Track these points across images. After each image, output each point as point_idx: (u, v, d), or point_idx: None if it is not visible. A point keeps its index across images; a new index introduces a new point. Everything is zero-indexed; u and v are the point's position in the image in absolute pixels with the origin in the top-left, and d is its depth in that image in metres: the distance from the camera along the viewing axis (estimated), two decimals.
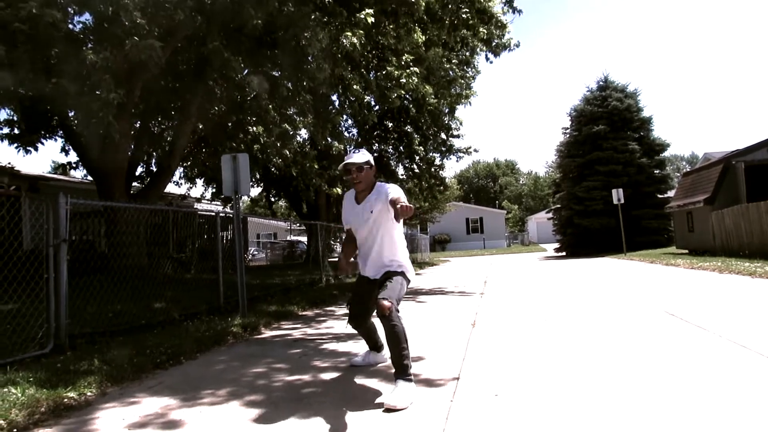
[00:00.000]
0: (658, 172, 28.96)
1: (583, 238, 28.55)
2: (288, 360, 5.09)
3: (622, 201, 23.36)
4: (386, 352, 4.06)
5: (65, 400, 3.75)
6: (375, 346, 4.53)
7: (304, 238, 34.81)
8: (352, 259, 4.38)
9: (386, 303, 3.67)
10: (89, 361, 4.60)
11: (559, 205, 32.02)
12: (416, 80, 10.51)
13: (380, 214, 3.98)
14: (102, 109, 7.11)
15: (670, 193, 27.98)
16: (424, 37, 11.11)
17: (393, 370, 3.76)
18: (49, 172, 24.94)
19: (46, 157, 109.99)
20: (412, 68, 10.67)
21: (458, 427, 3.05)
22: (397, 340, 3.66)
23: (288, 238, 42.12)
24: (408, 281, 4.08)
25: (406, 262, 4.13)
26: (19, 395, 3.62)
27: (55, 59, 7.36)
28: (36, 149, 11.48)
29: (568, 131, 31.44)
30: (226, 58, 8.13)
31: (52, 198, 5.23)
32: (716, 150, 31.78)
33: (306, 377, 4.41)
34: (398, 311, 3.73)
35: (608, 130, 28.40)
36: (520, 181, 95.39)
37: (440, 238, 53.65)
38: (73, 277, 5.80)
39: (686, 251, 20.69)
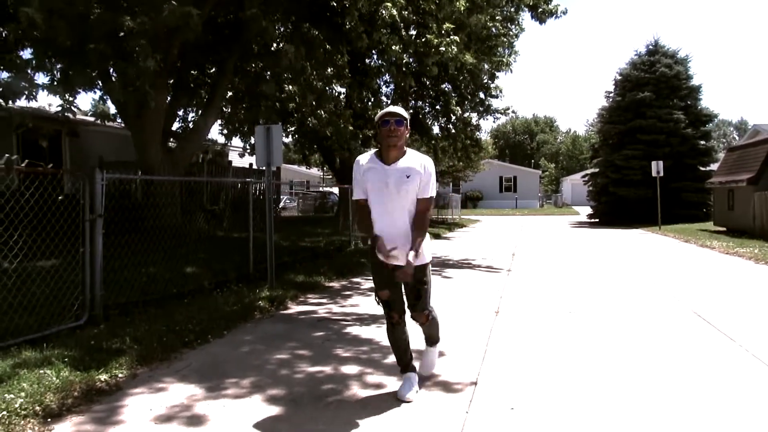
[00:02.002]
0: (702, 143, 28.01)
1: (617, 207, 28.01)
2: (311, 346, 5.21)
3: (661, 173, 22.70)
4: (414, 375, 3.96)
5: (97, 383, 3.92)
6: (408, 364, 3.96)
7: (336, 189, 35.04)
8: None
9: (425, 316, 3.85)
10: (121, 338, 4.78)
11: (596, 170, 31.33)
12: (455, 50, 10.23)
13: (413, 183, 3.54)
14: (139, 77, 7.14)
15: (714, 166, 27.09)
16: (465, 3, 10.73)
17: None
18: (89, 112, 25.12)
19: (86, 99, 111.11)
20: (452, 37, 10.37)
21: None
22: (435, 330, 4.08)
23: (320, 189, 42.41)
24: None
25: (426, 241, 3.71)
26: (54, 378, 3.80)
27: (92, 24, 7.35)
28: (74, 98, 11.56)
29: (611, 96, 30.44)
30: (264, 25, 8.02)
31: (89, 174, 5.33)
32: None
33: (327, 369, 4.51)
34: (432, 309, 3.91)
35: (653, 97, 27.38)
36: (558, 140, 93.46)
37: (472, 195, 53.35)
38: (108, 236, 5.90)
39: (724, 229, 20.17)
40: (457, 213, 34.58)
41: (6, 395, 3.45)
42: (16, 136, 14.62)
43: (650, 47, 29.45)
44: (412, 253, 3.48)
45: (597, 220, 30.36)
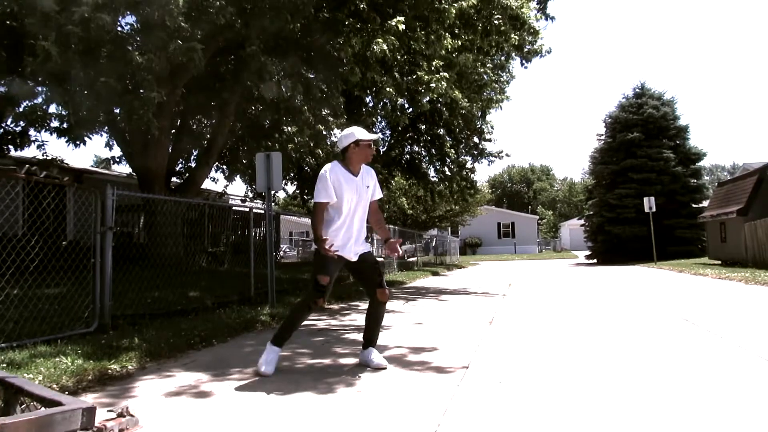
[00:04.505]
0: (693, 181, 28.59)
1: (614, 245, 28.34)
2: (311, 346, 5.44)
3: (654, 209, 23.13)
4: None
5: (109, 371, 4.15)
6: (284, 341, 4.41)
7: None
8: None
9: (388, 292, 4.43)
10: (130, 339, 5.02)
11: (591, 212, 31.83)
12: (445, 85, 10.78)
13: (371, 190, 4.31)
14: (142, 107, 7.59)
15: (705, 203, 27.54)
16: (454, 43, 11.35)
17: (379, 352, 4.60)
18: (92, 166, 25.91)
19: (88, 152, 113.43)
20: (441, 74, 10.94)
21: (461, 405, 3.34)
22: (379, 324, 4.58)
23: None
24: None
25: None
26: (69, 364, 4.04)
27: (103, 59, 7.86)
28: (84, 143, 12.13)
29: (602, 138, 31.28)
30: (262, 62, 8.55)
31: (101, 189, 5.68)
32: (758, 161, 31.20)
33: (326, 361, 4.75)
34: None
35: (643, 137, 28.16)
36: (555, 187, 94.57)
37: (471, 242, 53.66)
38: (113, 265, 6.22)
39: (718, 262, 20.42)
40: (455, 259, 34.78)
41: (25, 375, 3.69)
42: (21, 186, 15.09)
43: (637, 90, 30.47)
44: (400, 241, 4.58)
45: (594, 260, 30.62)
